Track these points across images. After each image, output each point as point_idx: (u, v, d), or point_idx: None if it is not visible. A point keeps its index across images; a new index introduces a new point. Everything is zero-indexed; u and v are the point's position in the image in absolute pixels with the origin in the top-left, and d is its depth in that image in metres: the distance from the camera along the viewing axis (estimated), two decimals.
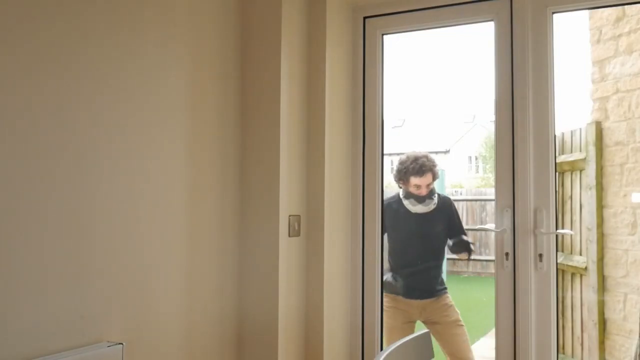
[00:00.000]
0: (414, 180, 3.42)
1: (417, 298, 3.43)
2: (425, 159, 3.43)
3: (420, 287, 3.47)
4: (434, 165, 3.49)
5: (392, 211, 3.48)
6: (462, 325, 3.39)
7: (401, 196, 3.52)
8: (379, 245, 2.95)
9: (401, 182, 3.50)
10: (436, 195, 3.50)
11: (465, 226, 3.86)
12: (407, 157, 3.47)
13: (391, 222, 3.49)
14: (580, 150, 4.15)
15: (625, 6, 3.67)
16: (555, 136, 2.58)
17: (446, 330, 3.37)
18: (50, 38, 1.95)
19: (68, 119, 1.99)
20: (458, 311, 3.42)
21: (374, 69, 2.97)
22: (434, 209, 3.49)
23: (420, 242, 3.56)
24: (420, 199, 3.47)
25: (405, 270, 3.50)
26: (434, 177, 3.49)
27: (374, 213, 2.94)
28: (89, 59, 2.07)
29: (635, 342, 3.56)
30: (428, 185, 3.44)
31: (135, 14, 2.25)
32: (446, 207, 3.55)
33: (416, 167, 3.45)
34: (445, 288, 3.48)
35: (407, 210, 3.50)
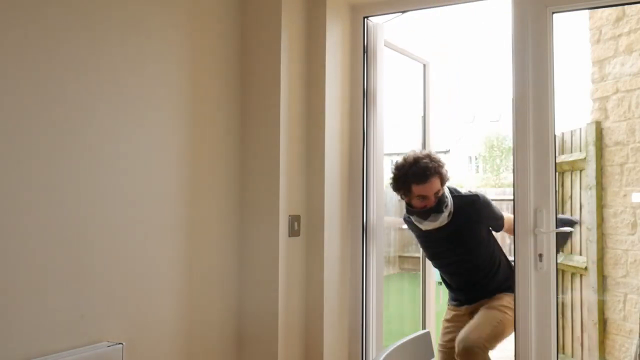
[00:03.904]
0: (417, 189, 2.68)
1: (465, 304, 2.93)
2: (427, 160, 2.69)
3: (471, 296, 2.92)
4: (441, 166, 2.72)
5: (412, 227, 2.92)
6: (507, 313, 2.69)
7: (405, 212, 2.88)
8: (380, 245, 2.95)
9: (401, 192, 2.76)
10: (448, 201, 2.73)
11: None
12: (405, 160, 2.73)
13: (417, 240, 3.00)
14: (580, 150, 4.15)
15: (625, 6, 3.67)
16: (555, 136, 2.58)
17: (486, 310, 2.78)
18: (48, 38, 1.95)
19: (67, 120, 1.99)
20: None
21: (375, 68, 2.97)
22: (451, 221, 2.75)
23: (457, 263, 2.89)
24: (423, 215, 2.73)
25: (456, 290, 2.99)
26: (443, 181, 2.73)
27: (383, 213, 2.95)
28: (88, 59, 2.07)
29: (635, 342, 3.56)
30: (437, 193, 2.69)
31: (136, 14, 2.25)
32: (468, 208, 2.78)
33: (418, 172, 2.69)
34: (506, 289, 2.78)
35: (419, 227, 2.83)
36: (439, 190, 2.70)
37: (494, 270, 2.86)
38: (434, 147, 3.39)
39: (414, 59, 3.37)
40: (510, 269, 2.79)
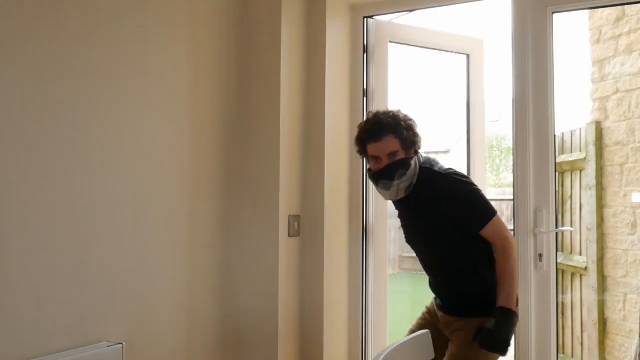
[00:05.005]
0: (370, 148, 2.27)
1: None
2: (384, 117, 2.26)
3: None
4: (400, 126, 2.23)
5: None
6: None
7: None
8: (382, 245, 2.95)
9: (362, 155, 2.37)
10: (408, 171, 2.22)
11: None
12: (367, 117, 2.38)
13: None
14: (580, 150, 4.15)
15: (625, 6, 3.67)
16: (555, 136, 2.58)
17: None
18: (50, 37, 1.95)
19: (67, 119, 1.99)
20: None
21: (376, 71, 2.97)
22: (411, 197, 2.26)
23: (424, 253, 2.40)
24: (374, 179, 2.31)
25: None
26: (405, 144, 2.24)
27: (383, 213, 2.95)
28: (89, 59, 2.07)
29: (635, 342, 3.56)
30: (391, 155, 2.23)
31: (137, 13, 2.25)
32: (433, 189, 2.23)
33: (368, 129, 2.29)
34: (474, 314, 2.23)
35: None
36: (394, 153, 2.22)
37: (464, 284, 2.28)
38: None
39: (454, 52, 3.22)
40: (495, 287, 2.21)
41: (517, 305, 2.19)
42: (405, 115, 2.30)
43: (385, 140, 2.22)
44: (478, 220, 2.22)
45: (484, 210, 2.23)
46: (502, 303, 2.14)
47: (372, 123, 2.28)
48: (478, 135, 3.25)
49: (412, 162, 2.24)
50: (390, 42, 3.03)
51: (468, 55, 3.21)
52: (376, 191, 2.81)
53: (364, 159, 2.36)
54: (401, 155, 2.23)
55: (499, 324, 2.10)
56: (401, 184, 2.23)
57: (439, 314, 2.36)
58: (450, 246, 2.28)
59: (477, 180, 2.96)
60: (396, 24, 3.06)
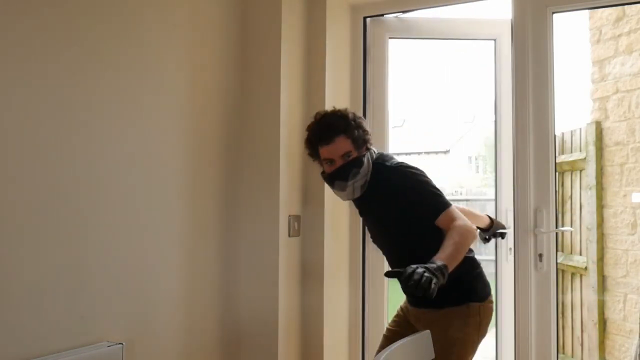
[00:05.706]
0: (323, 151, 2.22)
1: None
2: (334, 118, 2.23)
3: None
4: (350, 125, 2.20)
5: None
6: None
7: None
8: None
9: (316, 159, 2.31)
10: (361, 169, 2.18)
11: None
12: (314, 118, 2.30)
13: None
14: (580, 150, 4.15)
15: (625, 6, 3.68)
16: (555, 136, 2.58)
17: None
18: (49, 36, 1.95)
19: (67, 119, 1.99)
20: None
21: (376, 68, 2.97)
22: (367, 194, 2.23)
23: (385, 248, 2.33)
24: (329, 181, 2.28)
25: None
26: (357, 144, 2.20)
27: None
28: (89, 58, 2.07)
29: (635, 342, 3.56)
30: (344, 155, 2.19)
31: (137, 14, 2.25)
32: (383, 180, 2.19)
33: (317, 130, 2.25)
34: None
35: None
36: (347, 153, 2.19)
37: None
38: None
39: (481, 39, 3.04)
40: (468, 274, 2.12)
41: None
42: (354, 113, 2.28)
43: (337, 141, 2.18)
44: (431, 210, 2.11)
45: (436, 200, 2.13)
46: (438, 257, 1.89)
47: (322, 124, 2.24)
48: (506, 134, 2.84)
49: (365, 160, 2.20)
50: (390, 38, 2.99)
51: (495, 40, 2.92)
52: None
53: (317, 161, 2.31)
54: (354, 155, 2.19)
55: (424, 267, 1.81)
56: (356, 183, 2.20)
57: (410, 308, 2.24)
58: (412, 239, 2.16)
59: (504, 183, 2.82)
60: (398, 18, 3.01)
